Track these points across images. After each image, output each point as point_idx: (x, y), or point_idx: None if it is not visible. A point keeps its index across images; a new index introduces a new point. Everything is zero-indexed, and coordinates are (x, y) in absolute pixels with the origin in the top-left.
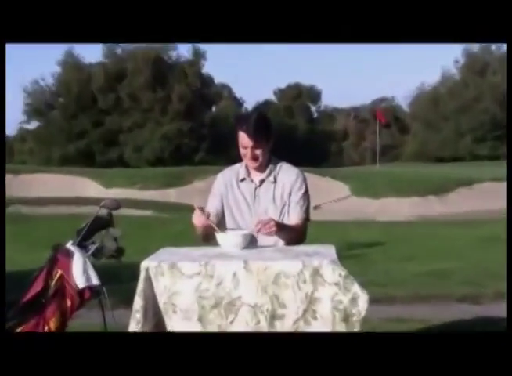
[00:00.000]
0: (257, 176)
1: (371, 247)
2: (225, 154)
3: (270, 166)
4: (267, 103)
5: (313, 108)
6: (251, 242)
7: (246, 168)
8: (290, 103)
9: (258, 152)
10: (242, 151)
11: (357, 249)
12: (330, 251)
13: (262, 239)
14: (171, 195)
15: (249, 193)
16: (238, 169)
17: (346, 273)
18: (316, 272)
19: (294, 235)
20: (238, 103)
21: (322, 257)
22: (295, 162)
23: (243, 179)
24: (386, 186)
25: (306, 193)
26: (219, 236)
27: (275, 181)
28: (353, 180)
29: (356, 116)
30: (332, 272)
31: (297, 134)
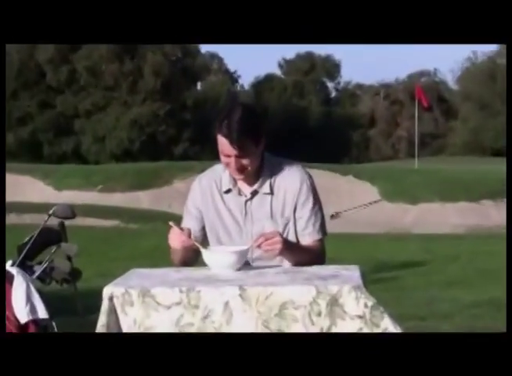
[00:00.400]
0: (246, 186)
1: (407, 268)
2: (215, 146)
3: (264, 172)
4: (270, 79)
5: (330, 85)
6: (248, 263)
7: (231, 176)
8: (301, 78)
9: (245, 161)
10: (223, 160)
11: (389, 271)
12: (353, 273)
13: (261, 258)
14: (143, 199)
15: (237, 208)
16: (220, 175)
17: (374, 303)
18: (334, 302)
19: (307, 258)
20: (231, 78)
21: (343, 281)
22: (307, 156)
23: (228, 191)
24: (427, 187)
25: (317, 203)
26: (206, 254)
27: (271, 192)
28: (383, 180)
29: (387, 95)
30: (355, 301)
31: (309, 119)
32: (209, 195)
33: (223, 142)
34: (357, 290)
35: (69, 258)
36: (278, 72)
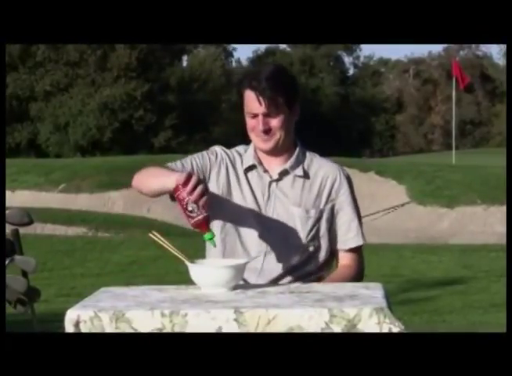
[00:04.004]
0: (274, 165)
1: (441, 286)
2: (204, 135)
3: (297, 152)
4: (272, 52)
5: (348, 60)
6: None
7: (256, 153)
8: (310, 52)
9: (274, 122)
10: (249, 123)
11: (419, 290)
12: (375, 292)
13: (266, 270)
14: (116, 201)
15: (259, 188)
16: (241, 153)
17: (401, 330)
18: (352, 328)
19: (348, 278)
20: (225, 51)
21: (362, 303)
22: (318, 149)
23: (250, 167)
24: (466, 187)
25: (357, 202)
26: (194, 270)
27: (305, 175)
28: (413, 178)
29: (418, 73)
30: (377, 327)
31: (320, 102)
32: (233, 163)
33: (251, 98)
34: (379, 313)
35: (24, 275)
36: (283, 45)
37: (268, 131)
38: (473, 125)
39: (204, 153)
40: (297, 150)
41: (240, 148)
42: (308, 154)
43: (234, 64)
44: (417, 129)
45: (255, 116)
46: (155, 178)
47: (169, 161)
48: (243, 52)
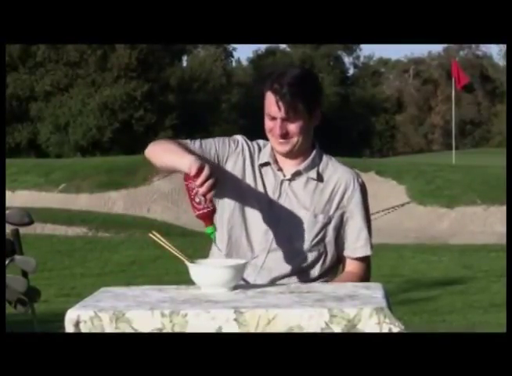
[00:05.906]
0: (288, 165)
1: (441, 286)
2: (204, 135)
3: (313, 155)
4: (272, 52)
5: (347, 60)
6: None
7: (272, 151)
8: (310, 52)
9: (292, 127)
10: (268, 125)
11: (419, 290)
12: (376, 292)
13: (266, 269)
14: (116, 201)
15: (271, 186)
16: (261, 147)
17: (401, 330)
18: (352, 328)
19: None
20: (225, 51)
21: (362, 303)
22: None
23: (265, 164)
24: (466, 187)
25: (369, 212)
26: (194, 270)
27: (319, 178)
28: (413, 178)
29: (418, 73)
30: (377, 327)
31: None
32: (248, 155)
33: (271, 100)
34: (379, 313)
35: (25, 275)
36: (283, 44)
37: (285, 135)
38: (473, 125)
39: (226, 139)
40: (314, 152)
41: (261, 142)
42: (325, 157)
43: (234, 64)
44: (417, 129)
45: (274, 118)
46: (169, 155)
47: None
48: (243, 52)
